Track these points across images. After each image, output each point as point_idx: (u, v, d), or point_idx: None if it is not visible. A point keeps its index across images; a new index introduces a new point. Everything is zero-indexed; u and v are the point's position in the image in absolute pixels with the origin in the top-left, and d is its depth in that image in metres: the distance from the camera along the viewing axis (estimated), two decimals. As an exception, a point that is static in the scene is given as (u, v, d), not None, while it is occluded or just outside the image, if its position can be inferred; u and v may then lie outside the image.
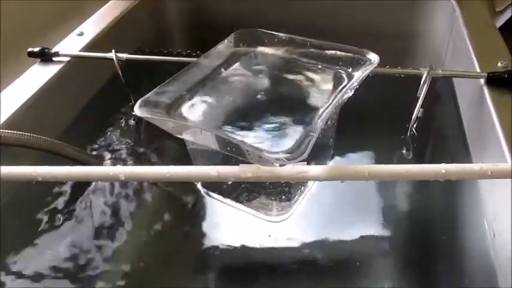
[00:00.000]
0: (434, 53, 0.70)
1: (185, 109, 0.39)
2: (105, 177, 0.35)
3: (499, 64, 0.50)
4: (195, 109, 0.39)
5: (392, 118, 0.55)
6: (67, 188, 0.47)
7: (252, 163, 0.33)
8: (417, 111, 0.50)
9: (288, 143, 0.33)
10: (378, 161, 0.51)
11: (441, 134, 0.54)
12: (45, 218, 0.44)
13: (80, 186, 0.48)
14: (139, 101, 0.37)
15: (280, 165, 0.32)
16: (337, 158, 0.50)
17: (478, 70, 0.50)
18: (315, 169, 0.33)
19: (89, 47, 0.57)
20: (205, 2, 0.77)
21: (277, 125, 0.37)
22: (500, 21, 0.84)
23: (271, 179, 0.34)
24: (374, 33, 0.73)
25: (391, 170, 0.34)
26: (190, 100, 0.40)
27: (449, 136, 0.53)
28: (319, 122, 0.35)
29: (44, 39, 0.56)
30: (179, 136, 0.37)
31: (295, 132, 0.35)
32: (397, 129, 0.52)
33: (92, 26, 0.61)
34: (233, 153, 0.34)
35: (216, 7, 0.77)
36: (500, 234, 0.38)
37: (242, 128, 0.36)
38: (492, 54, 0.52)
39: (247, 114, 0.38)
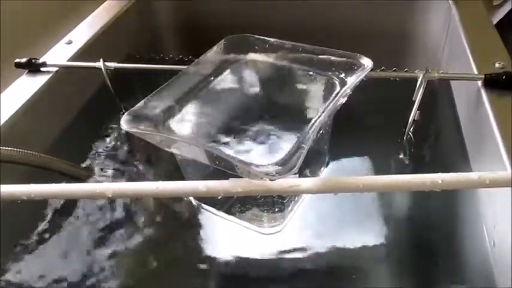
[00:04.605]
0: (430, 53, 0.69)
1: (174, 121, 0.38)
2: (91, 195, 0.34)
3: (496, 65, 0.48)
4: (184, 121, 0.38)
5: (389, 121, 0.54)
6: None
7: (243, 177, 0.32)
8: (413, 114, 0.49)
9: (279, 155, 0.32)
10: (374, 166, 0.50)
11: (438, 137, 0.53)
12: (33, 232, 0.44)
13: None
14: (125, 115, 0.36)
15: (271, 180, 0.31)
16: (332, 164, 0.49)
17: (475, 70, 0.49)
18: (307, 182, 0.32)
19: (77, 56, 0.56)
20: (197, 5, 0.75)
21: (268, 136, 0.36)
22: (498, 17, 0.83)
23: (262, 192, 0.33)
24: (369, 33, 0.72)
25: (386, 181, 0.32)
26: (179, 112, 0.39)
27: (447, 139, 0.52)
28: (311, 132, 0.34)
29: (31, 49, 0.55)
30: (168, 150, 0.36)
31: (286, 144, 0.34)
32: (393, 133, 0.51)
33: (81, 34, 0.60)
34: (223, 167, 0.33)
35: (208, 9, 0.76)
36: (500, 243, 0.37)
37: (232, 140, 0.35)
38: (489, 53, 0.51)
39: (237, 125, 0.37)
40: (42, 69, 0.53)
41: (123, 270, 0.41)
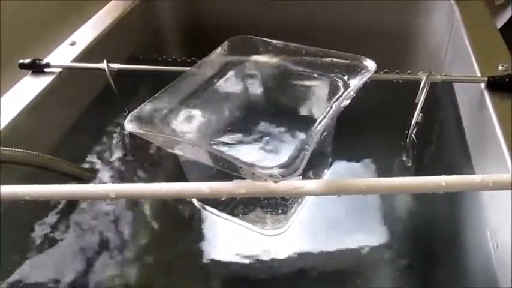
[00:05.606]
0: (433, 54, 0.69)
1: (177, 123, 0.38)
2: (94, 196, 0.34)
3: (499, 67, 0.48)
4: (187, 122, 0.38)
5: (391, 124, 0.54)
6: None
7: (246, 178, 0.32)
8: (416, 116, 0.49)
9: (282, 157, 0.32)
10: (377, 168, 0.50)
11: (441, 139, 0.53)
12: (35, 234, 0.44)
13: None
14: (129, 116, 0.36)
15: (274, 181, 0.31)
16: (335, 166, 0.49)
17: (478, 72, 0.49)
18: (310, 184, 0.32)
19: (81, 57, 0.56)
20: (201, 6, 0.76)
21: (271, 138, 0.36)
22: (502, 21, 0.83)
23: (265, 194, 0.33)
24: (371, 34, 0.72)
25: (389, 183, 0.32)
26: (182, 113, 0.39)
27: (450, 142, 0.52)
28: (314, 134, 0.34)
29: (35, 50, 0.55)
30: (171, 151, 0.36)
31: (289, 146, 0.34)
32: (396, 135, 0.51)
33: (84, 35, 0.60)
34: (226, 169, 0.33)
35: (212, 10, 0.76)
36: (503, 245, 0.37)
37: (235, 142, 0.36)
38: (493, 56, 0.51)
39: (240, 127, 0.38)
40: (45, 70, 0.53)
41: (125, 271, 0.41)
